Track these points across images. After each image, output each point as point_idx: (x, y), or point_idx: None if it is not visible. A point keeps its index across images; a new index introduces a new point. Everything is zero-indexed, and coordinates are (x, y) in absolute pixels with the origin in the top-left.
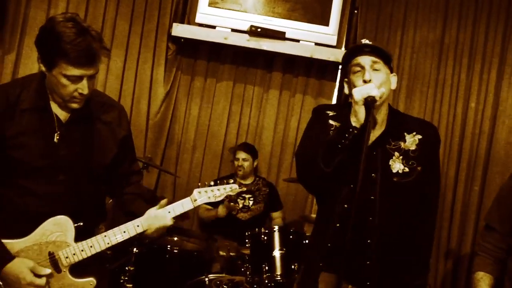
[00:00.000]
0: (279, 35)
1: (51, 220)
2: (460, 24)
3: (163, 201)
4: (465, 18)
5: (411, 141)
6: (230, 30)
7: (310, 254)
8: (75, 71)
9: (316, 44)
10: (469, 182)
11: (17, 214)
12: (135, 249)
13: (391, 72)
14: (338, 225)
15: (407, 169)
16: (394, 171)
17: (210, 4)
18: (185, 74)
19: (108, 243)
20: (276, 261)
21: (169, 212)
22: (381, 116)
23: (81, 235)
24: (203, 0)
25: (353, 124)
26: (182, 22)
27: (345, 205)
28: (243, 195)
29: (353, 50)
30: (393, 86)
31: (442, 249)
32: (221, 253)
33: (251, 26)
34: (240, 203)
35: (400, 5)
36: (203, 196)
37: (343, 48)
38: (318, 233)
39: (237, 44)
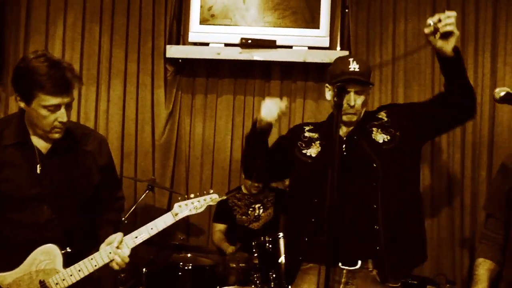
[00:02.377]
0: (270, 44)
1: (39, 249)
2: (449, 9)
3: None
4: (454, 3)
5: (381, 115)
6: (223, 45)
7: (289, 250)
8: (52, 100)
9: (309, 48)
10: (476, 168)
11: (7, 246)
12: (144, 269)
13: (371, 84)
14: (313, 219)
15: (388, 137)
16: (380, 141)
17: (201, 22)
18: (185, 93)
19: (95, 265)
20: (282, 268)
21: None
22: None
23: (73, 261)
24: (194, 19)
25: None
26: (177, 43)
27: (315, 200)
28: (253, 206)
29: (341, 74)
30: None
31: (457, 239)
32: (231, 265)
33: (242, 38)
34: (252, 214)
35: None
36: (184, 209)
37: (338, 49)
38: (294, 228)
39: (230, 58)
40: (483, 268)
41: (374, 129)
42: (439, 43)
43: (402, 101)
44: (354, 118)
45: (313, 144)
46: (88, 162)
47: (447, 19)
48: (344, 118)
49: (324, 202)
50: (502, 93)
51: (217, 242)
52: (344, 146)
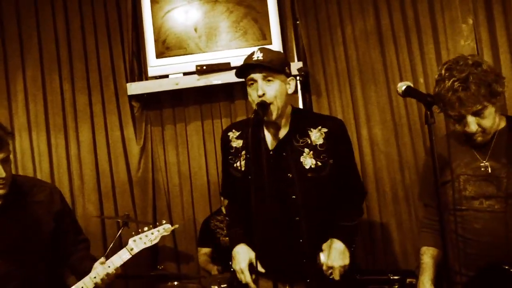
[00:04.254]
0: (225, 67)
1: None
2: (390, 8)
3: (102, 259)
4: (393, 1)
5: (317, 135)
6: (182, 74)
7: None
8: None
9: None
10: None
11: None
12: None
13: (288, 77)
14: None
15: (319, 163)
16: (307, 167)
17: (158, 56)
18: (155, 126)
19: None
20: None
21: (109, 266)
22: (284, 119)
23: None
24: (150, 54)
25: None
26: (140, 79)
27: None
28: None
29: (245, 68)
30: (290, 90)
31: None
32: (213, 287)
33: (196, 66)
34: None
35: (333, 5)
36: (138, 243)
37: (295, 60)
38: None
39: (189, 86)
40: (427, 255)
41: (306, 150)
42: None
43: (362, 102)
44: (274, 116)
45: (240, 155)
46: (40, 212)
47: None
48: (265, 118)
49: (258, 219)
50: (403, 87)
51: (203, 265)
52: (269, 162)
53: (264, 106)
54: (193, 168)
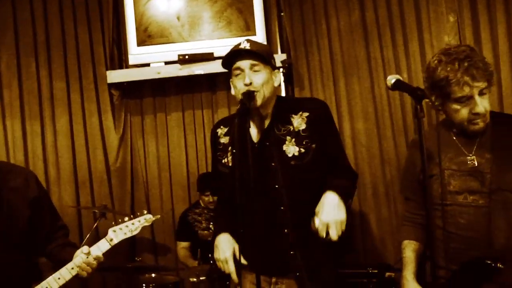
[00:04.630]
0: (207, 57)
1: None
2: (375, 2)
3: (84, 248)
4: None
5: (299, 120)
6: (163, 63)
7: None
8: None
9: None
10: None
11: None
12: None
13: (274, 69)
14: (242, 230)
15: (302, 150)
16: (290, 155)
17: (139, 44)
18: (134, 115)
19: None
20: None
21: (86, 257)
22: (267, 110)
23: None
24: (132, 42)
25: None
26: (120, 67)
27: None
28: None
29: (232, 55)
30: (276, 83)
31: None
32: (191, 279)
33: (179, 55)
34: (213, 228)
35: None
36: (118, 234)
37: (279, 52)
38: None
39: (171, 75)
40: (409, 249)
41: (288, 138)
42: None
43: (345, 95)
44: (259, 102)
45: (227, 150)
46: (15, 198)
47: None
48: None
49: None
50: (393, 80)
51: (183, 260)
52: (254, 155)
53: (250, 95)
54: (172, 159)
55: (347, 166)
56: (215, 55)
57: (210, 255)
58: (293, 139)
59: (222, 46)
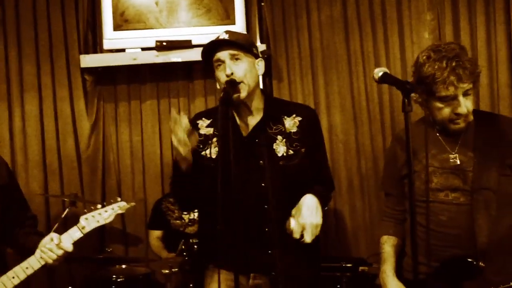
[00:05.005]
0: (186, 44)
1: None
2: None
3: (52, 235)
4: None
5: (291, 123)
6: (140, 49)
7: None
8: None
9: None
10: None
11: None
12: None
13: (256, 58)
14: (218, 227)
15: (291, 152)
16: (279, 154)
17: (115, 29)
18: (108, 102)
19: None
20: None
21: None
22: (255, 103)
23: None
24: (107, 26)
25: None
26: (94, 51)
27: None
28: None
29: (210, 47)
30: (260, 71)
31: None
32: (163, 271)
33: (156, 41)
34: (186, 218)
35: None
36: (91, 222)
37: (258, 43)
38: (203, 234)
39: (147, 62)
40: (388, 245)
41: (279, 137)
42: None
43: (323, 89)
44: (244, 93)
45: (210, 142)
46: None
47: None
48: (235, 97)
49: (226, 210)
50: (380, 73)
51: (156, 250)
52: (242, 148)
53: (233, 83)
54: (146, 148)
55: (329, 178)
56: (193, 42)
57: (183, 246)
58: (284, 139)
59: (200, 34)
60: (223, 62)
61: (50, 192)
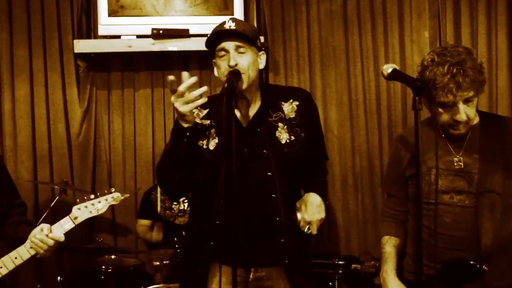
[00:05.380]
0: (183, 33)
1: None
2: None
3: (43, 226)
4: None
5: (289, 108)
6: (135, 37)
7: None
8: None
9: None
10: (392, 145)
11: None
12: (59, 278)
13: (259, 50)
14: (217, 222)
15: (293, 137)
16: (283, 142)
17: (110, 14)
18: (101, 89)
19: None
20: None
21: (47, 235)
22: (253, 94)
23: None
24: (102, 12)
25: None
26: (88, 36)
27: (221, 201)
28: None
29: (216, 36)
30: (261, 65)
31: (380, 216)
32: (154, 263)
33: (153, 29)
34: (176, 208)
35: None
36: (83, 212)
37: None
38: (198, 231)
39: (143, 50)
40: (390, 245)
41: (280, 125)
42: None
43: (320, 84)
44: (244, 85)
45: (207, 133)
46: None
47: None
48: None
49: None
50: (390, 70)
51: (142, 235)
52: (244, 141)
53: (237, 73)
54: (138, 137)
55: (324, 154)
56: (191, 32)
57: (175, 238)
58: (285, 126)
59: (198, 23)
60: (227, 52)
61: (39, 179)
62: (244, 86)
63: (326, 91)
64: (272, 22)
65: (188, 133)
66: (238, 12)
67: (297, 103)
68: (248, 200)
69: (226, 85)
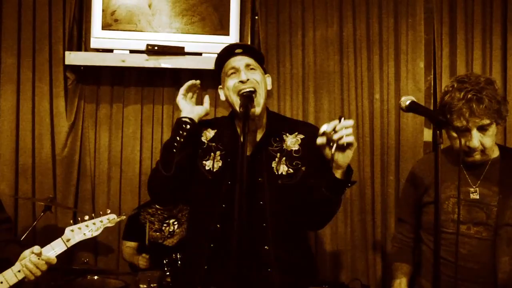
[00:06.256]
0: (178, 51)
1: None
2: (355, 18)
3: (35, 248)
4: (359, 12)
5: (293, 141)
6: (128, 51)
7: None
8: None
9: None
10: (385, 172)
11: None
12: None
13: (265, 73)
14: (212, 245)
15: (291, 170)
16: (278, 173)
17: (104, 28)
18: (89, 103)
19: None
20: None
21: (38, 258)
22: (261, 121)
23: None
24: (96, 24)
25: None
26: (79, 49)
27: (218, 225)
28: (167, 221)
29: (225, 54)
30: (269, 86)
31: (369, 243)
32: (141, 286)
33: (147, 45)
34: (166, 230)
35: (297, 7)
36: (77, 234)
37: None
38: (192, 254)
39: (136, 65)
40: (401, 271)
41: (279, 155)
42: (335, 156)
43: (313, 109)
44: (258, 110)
45: (212, 154)
46: None
47: (344, 130)
48: (251, 111)
49: (224, 227)
50: (408, 102)
51: (128, 258)
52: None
53: (249, 97)
54: (125, 154)
55: None
56: (186, 50)
57: (165, 261)
58: (284, 158)
59: (193, 41)
60: (237, 70)
61: (19, 194)
62: (258, 111)
63: (319, 116)
64: (267, 44)
65: (188, 126)
66: (234, 32)
67: (302, 136)
68: (239, 227)
69: (241, 109)
